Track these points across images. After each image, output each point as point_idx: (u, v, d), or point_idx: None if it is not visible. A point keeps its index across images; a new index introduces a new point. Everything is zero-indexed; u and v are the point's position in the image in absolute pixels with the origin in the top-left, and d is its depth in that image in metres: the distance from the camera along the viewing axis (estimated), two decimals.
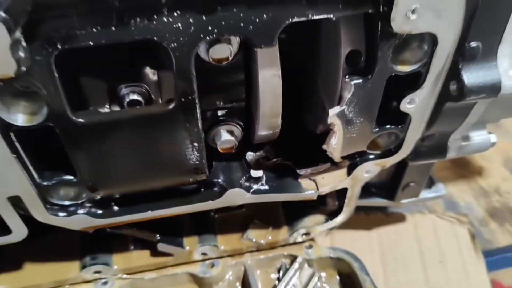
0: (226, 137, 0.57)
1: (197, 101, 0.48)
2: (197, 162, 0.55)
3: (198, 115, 0.49)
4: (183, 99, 0.47)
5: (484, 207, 0.87)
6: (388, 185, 0.71)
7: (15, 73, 0.40)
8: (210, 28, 0.43)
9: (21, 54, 0.40)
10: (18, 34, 0.39)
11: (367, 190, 0.72)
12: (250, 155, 0.66)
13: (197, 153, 0.54)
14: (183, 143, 0.52)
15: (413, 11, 0.43)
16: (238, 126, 0.59)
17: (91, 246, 0.69)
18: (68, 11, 0.40)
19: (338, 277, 0.73)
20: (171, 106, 0.47)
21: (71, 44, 0.41)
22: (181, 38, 0.43)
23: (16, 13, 0.38)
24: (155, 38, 0.43)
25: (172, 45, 0.43)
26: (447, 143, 0.62)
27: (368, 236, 0.80)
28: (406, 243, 0.79)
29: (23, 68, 0.41)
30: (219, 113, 0.58)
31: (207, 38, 0.44)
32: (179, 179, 0.57)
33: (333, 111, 0.53)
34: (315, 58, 0.58)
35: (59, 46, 0.41)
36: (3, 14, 0.37)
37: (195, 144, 0.53)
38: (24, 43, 0.40)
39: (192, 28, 0.43)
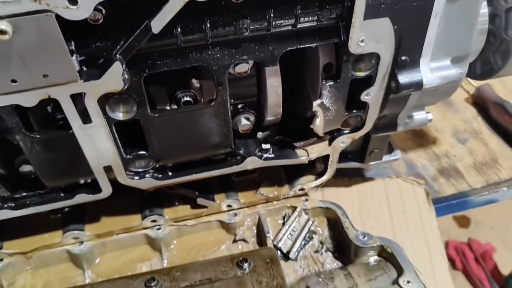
0: (244, 122, 0.85)
1: (228, 100, 0.75)
2: (226, 140, 0.83)
3: (229, 109, 0.77)
4: (220, 99, 0.74)
5: (436, 167, 1.15)
6: (359, 152, 0.99)
7: (121, 89, 0.67)
8: (237, 56, 0.70)
9: (126, 76, 0.67)
10: (124, 66, 0.66)
11: (345, 156, 1.00)
12: (260, 134, 0.93)
13: (227, 133, 0.81)
14: (218, 127, 0.79)
15: (362, 41, 0.70)
16: (252, 115, 0.86)
17: (148, 203, 0.96)
18: (152, 50, 0.67)
19: (326, 222, 1.01)
20: (212, 104, 0.75)
21: (154, 70, 0.68)
22: (219, 63, 0.70)
23: (125, 55, 0.64)
24: (204, 64, 0.70)
25: (214, 67, 0.70)
26: (397, 121, 0.90)
27: (350, 194, 1.07)
28: (377, 199, 1.06)
29: (126, 85, 0.68)
30: (240, 106, 0.85)
31: (235, 62, 0.71)
32: (214, 152, 0.85)
33: (316, 103, 0.80)
34: (304, 68, 0.85)
35: (146, 71, 0.68)
36: (120, 56, 0.64)
37: (226, 127, 0.80)
38: (127, 70, 0.67)
39: (226, 57, 0.70)
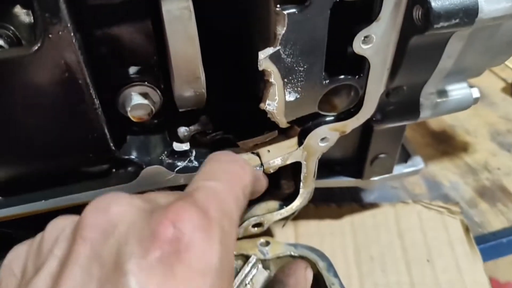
0: (137, 101, 0.45)
1: (74, 39, 0.36)
2: (96, 132, 0.43)
3: (81, 60, 0.37)
4: (51, 35, 0.35)
5: (472, 186, 0.75)
6: (354, 160, 0.59)
7: None
8: None
9: None
10: None
11: (330, 168, 0.60)
12: (182, 131, 0.53)
13: (94, 118, 0.41)
14: (69, 103, 0.40)
15: None
16: (154, 88, 0.47)
17: None
18: None
19: None
20: (35, 47, 0.35)
21: None
22: None
23: None
24: None
25: None
26: (419, 99, 0.50)
27: (340, 232, 0.67)
28: (385, 239, 0.66)
29: None
30: (131, 71, 0.46)
31: None
32: (76, 157, 0.45)
33: (264, 53, 0.40)
34: None
35: None
36: None
37: (86, 104, 0.40)
38: None
39: None
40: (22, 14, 0.39)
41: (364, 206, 0.69)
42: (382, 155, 0.56)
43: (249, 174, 0.38)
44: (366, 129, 0.53)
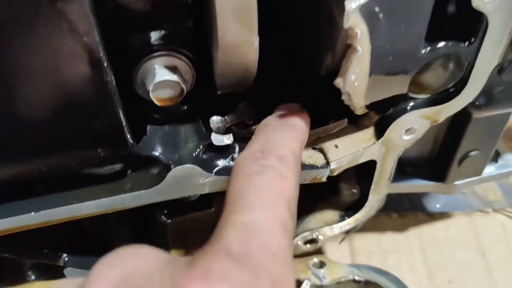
0: (163, 77, 0.33)
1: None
2: (107, 116, 0.30)
3: (91, 17, 0.25)
4: None
5: None
6: (434, 159, 0.46)
7: None
8: None
9: None
10: None
11: (399, 168, 0.47)
12: (216, 121, 0.41)
13: (104, 95, 0.29)
14: (69, 72, 0.27)
15: None
16: (186, 60, 0.34)
17: None
18: None
19: None
20: None
21: None
22: None
23: None
24: None
25: None
26: None
27: (407, 248, 0.54)
28: (464, 257, 0.53)
29: None
30: (153, 36, 0.33)
31: None
32: (80, 152, 0.32)
33: (353, 2, 0.28)
34: None
35: None
36: None
37: (93, 74, 0.28)
38: None
39: None
40: None
41: (433, 216, 0.56)
42: (474, 152, 0.44)
43: (293, 181, 0.27)
44: (461, 116, 0.40)
